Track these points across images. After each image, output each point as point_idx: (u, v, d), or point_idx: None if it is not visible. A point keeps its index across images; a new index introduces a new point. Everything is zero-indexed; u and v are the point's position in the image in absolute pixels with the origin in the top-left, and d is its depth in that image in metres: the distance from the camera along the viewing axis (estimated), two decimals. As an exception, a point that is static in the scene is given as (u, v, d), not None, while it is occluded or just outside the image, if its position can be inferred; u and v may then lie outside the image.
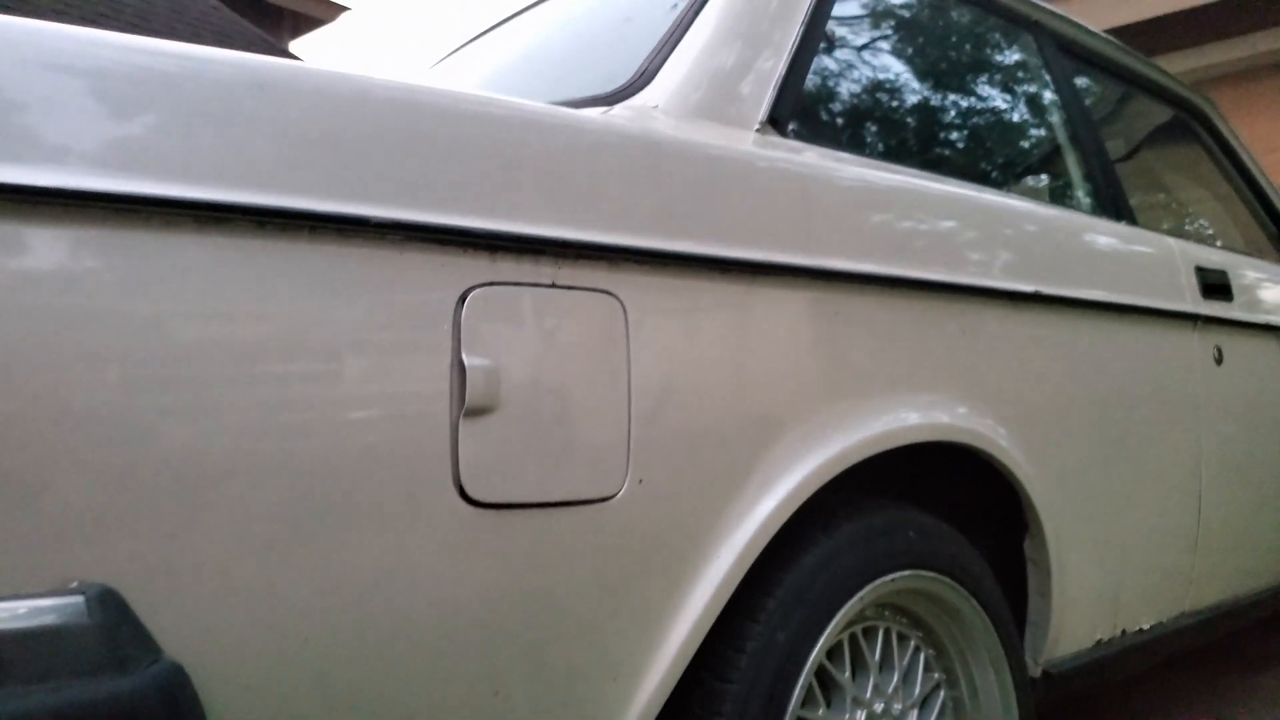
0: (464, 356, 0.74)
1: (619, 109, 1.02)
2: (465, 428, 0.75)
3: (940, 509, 1.28)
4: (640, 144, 0.91)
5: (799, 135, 1.16)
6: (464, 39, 1.81)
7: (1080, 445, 1.33)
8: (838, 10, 1.38)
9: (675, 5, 1.21)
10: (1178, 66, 4.39)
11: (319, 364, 0.70)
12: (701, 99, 1.06)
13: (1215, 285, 1.68)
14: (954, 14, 1.62)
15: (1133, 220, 1.68)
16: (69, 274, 0.61)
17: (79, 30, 0.66)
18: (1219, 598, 1.68)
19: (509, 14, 1.72)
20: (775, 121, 1.13)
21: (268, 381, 0.68)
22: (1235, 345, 1.69)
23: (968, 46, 1.65)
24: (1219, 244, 2.15)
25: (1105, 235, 1.50)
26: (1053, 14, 1.80)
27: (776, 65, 1.16)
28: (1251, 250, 2.20)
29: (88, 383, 0.62)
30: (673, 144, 0.94)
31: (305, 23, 10.68)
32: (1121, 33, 4.35)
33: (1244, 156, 2.35)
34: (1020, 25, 1.70)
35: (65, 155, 0.61)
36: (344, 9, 10.78)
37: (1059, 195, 1.65)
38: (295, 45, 10.60)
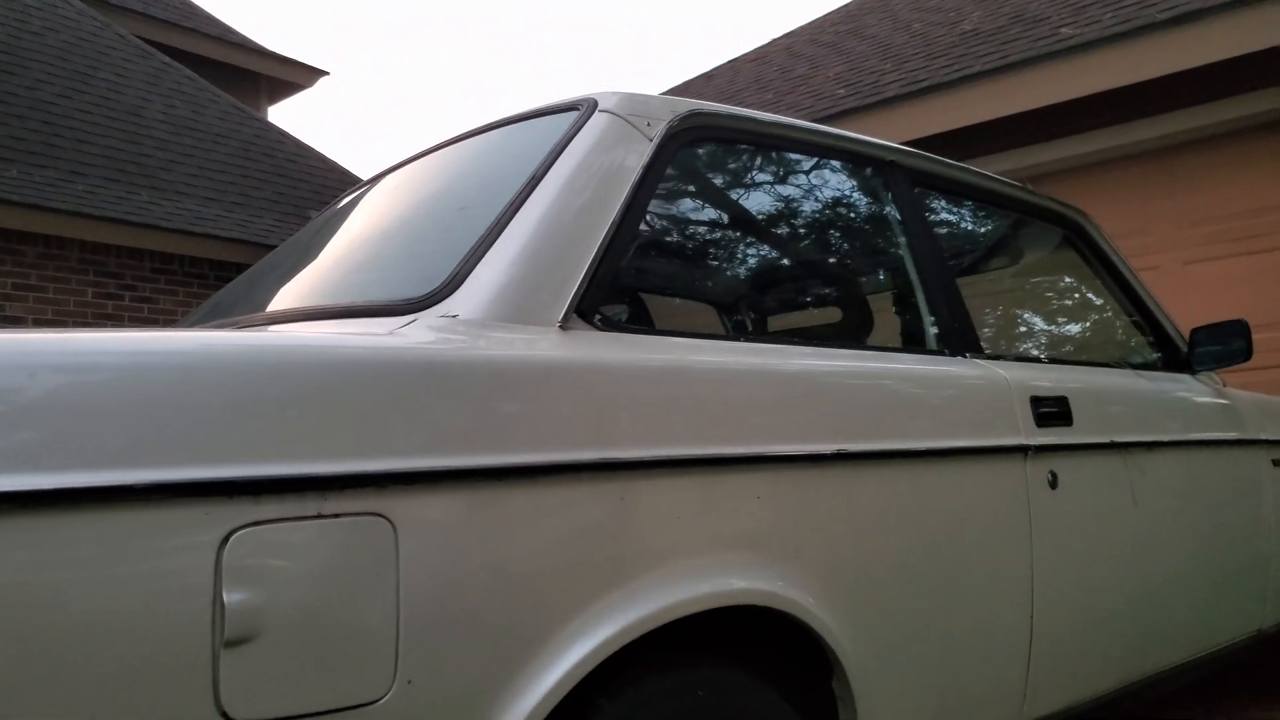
0: (224, 594, 0.85)
1: (422, 319, 1.13)
2: (226, 656, 0.85)
3: (766, 654, 1.37)
4: (416, 369, 1.02)
5: (609, 323, 1.27)
6: (340, 200, 1.93)
7: (890, 588, 1.43)
8: (667, 185, 1.51)
9: (502, 199, 1.33)
10: (1012, 164, 4.64)
11: (96, 608, 0.80)
12: (504, 304, 1.18)
13: (1053, 413, 1.79)
14: (799, 165, 1.74)
15: (978, 352, 1.79)
16: None
17: None
18: (1060, 707, 1.77)
19: (377, 173, 1.84)
20: (583, 313, 1.24)
21: (57, 619, 0.78)
22: (1072, 467, 1.80)
23: (813, 197, 1.77)
24: (1093, 359, 2.27)
25: (931, 379, 1.61)
26: (907, 152, 1.91)
27: (586, 258, 1.27)
28: (1127, 361, 2.31)
29: None
30: (451, 364, 1.05)
31: (282, 88, 10.91)
32: (961, 134, 4.57)
33: (1120, 265, 2.48)
34: (873, 167, 1.82)
35: None
36: (322, 74, 11.02)
37: (899, 337, 1.76)
38: (273, 111, 10.81)
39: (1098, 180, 4.68)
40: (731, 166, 1.63)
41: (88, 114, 7.45)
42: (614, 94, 1.50)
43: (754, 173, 1.66)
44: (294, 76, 10.88)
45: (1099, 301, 2.44)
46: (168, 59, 8.77)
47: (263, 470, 0.88)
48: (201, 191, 7.60)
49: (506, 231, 1.25)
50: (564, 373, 1.13)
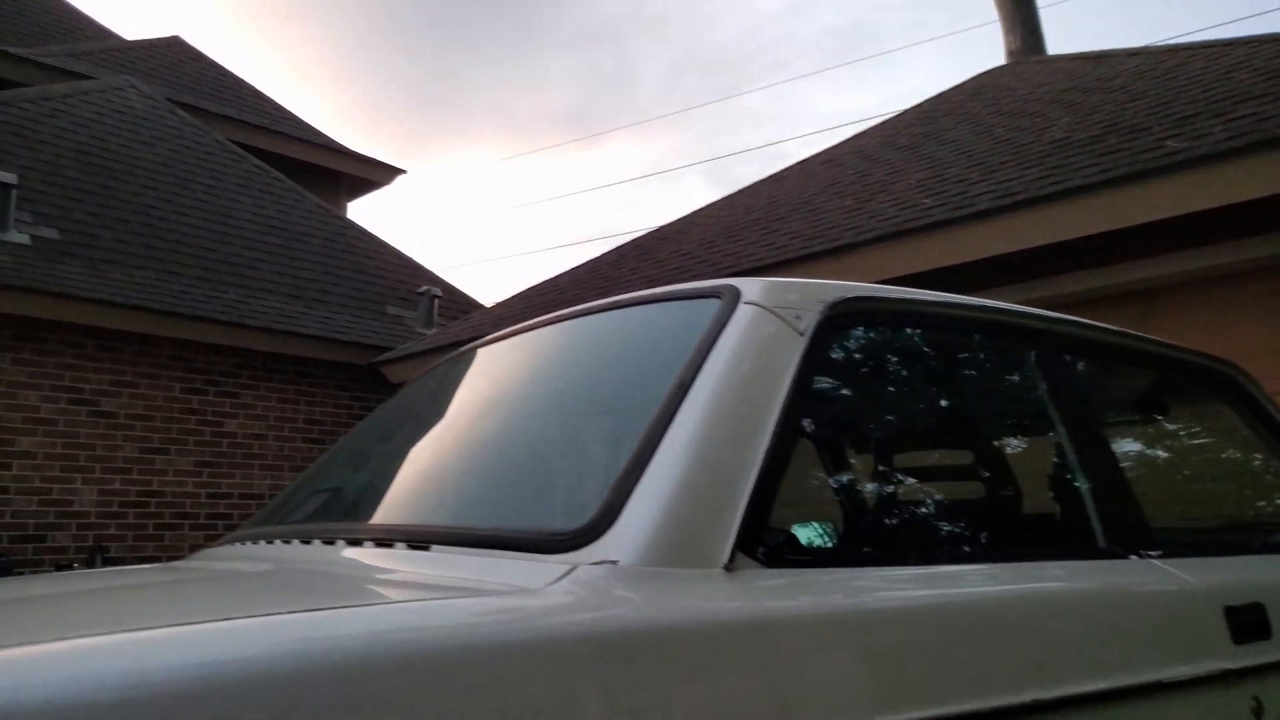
0: None
1: (581, 568, 0.99)
2: None
3: None
4: (586, 654, 0.88)
5: (773, 557, 1.12)
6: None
7: None
8: (820, 382, 1.37)
9: (647, 407, 1.21)
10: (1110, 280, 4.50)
11: None
12: (664, 544, 1.03)
13: (1250, 623, 1.58)
14: (951, 345, 1.60)
15: (1151, 548, 1.59)
16: None
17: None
18: None
19: (483, 339, 1.70)
20: (747, 548, 1.10)
21: None
22: (1275, 690, 1.57)
23: (969, 379, 1.62)
24: (1271, 542, 2.03)
25: (1119, 595, 1.42)
26: (1055, 319, 1.75)
27: (747, 480, 1.13)
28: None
29: None
30: (623, 639, 0.90)
31: (362, 185, 11.26)
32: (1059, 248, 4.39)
33: None
34: (1024, 339, 1.67)
35: None
36: (400, 172, 11.35)
37: (1064, 537, 1.58)
38: (353, 207, 11.13)
39: (1216, 297, 4.44)
40: (881, 352, 1.49)
41: (185, 216, 7.72)
42: (756, 283, 1.38)
43: (904, 358, 1.52)
44: (373, 175, 11.22)
45: (1261, 466, 2.21)
46: (259, 162, 9.09)
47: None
48: (285, 289, 7.75)
49: (660, 451, 1.13)
50: (740, 635, 0.99)
